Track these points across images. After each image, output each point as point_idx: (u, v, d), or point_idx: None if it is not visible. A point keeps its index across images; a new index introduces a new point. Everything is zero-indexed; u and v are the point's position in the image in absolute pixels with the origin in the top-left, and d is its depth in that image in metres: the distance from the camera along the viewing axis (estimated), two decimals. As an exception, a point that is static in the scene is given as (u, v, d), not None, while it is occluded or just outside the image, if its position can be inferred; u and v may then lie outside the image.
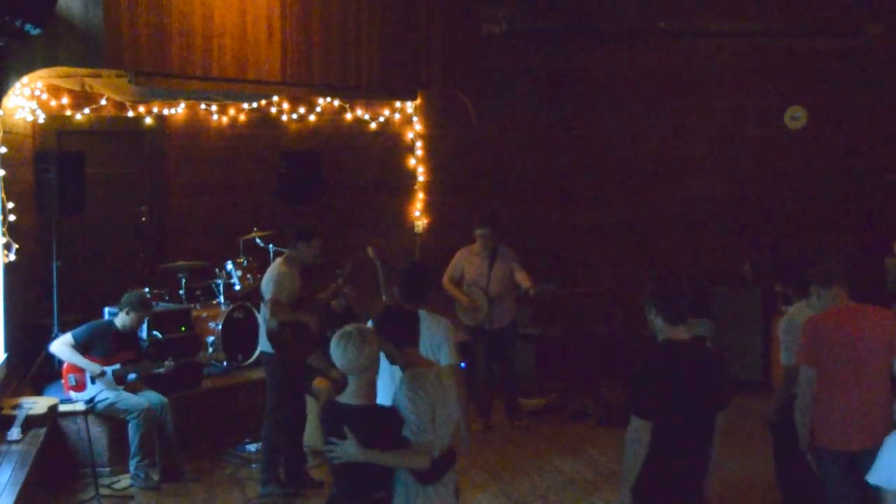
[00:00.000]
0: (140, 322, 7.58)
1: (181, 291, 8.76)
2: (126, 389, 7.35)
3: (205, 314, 8.71)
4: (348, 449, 4.06)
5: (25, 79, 7.60)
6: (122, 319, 7.38)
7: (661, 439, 4.29)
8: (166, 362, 7.47)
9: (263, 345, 7.14)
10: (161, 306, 8.42)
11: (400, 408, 4.15)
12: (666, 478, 4.35)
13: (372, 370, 4.20)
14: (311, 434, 7.44)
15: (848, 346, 5.13)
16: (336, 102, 10.08)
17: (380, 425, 4.13)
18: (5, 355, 7.32)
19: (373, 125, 10.26)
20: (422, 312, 5.10)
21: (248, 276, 8.96)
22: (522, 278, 8.59)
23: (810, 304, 5.54)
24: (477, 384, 8.91)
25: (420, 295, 5.36)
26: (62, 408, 7.27)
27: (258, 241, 9.15)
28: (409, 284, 5.40)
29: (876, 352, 5.14)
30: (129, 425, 7.23)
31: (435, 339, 5.24)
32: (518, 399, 9.03)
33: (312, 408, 7.23)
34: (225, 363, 8.72)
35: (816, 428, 5.21)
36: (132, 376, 7.44)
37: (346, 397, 4.19)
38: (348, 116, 10.18)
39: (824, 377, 5.16)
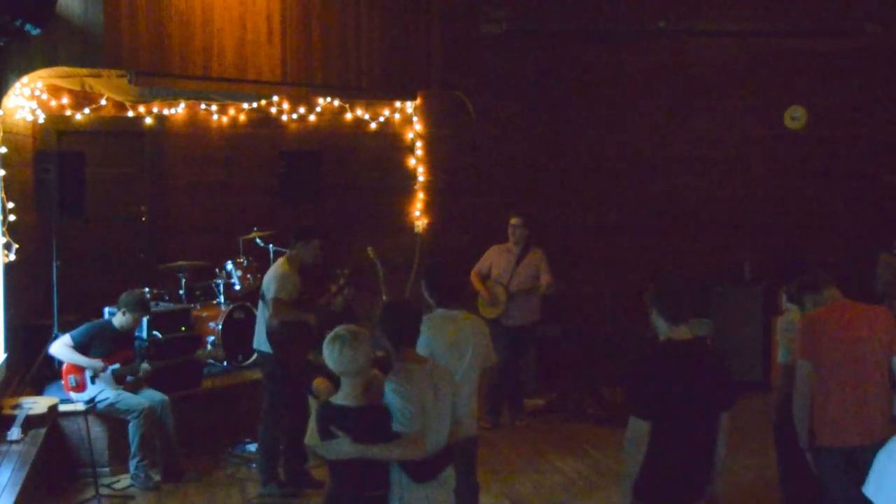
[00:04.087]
0: (138, 322, 7.57)
1: (181, 291, 8.75)
2: (126, 389, 7.35)
3: (205, 314, 8.70)
4: (342, 446, 4.06)
5: (25, 79, 7.59)
6: (119, 319, 7.38)
7: (662, 439, 4.27)
8: (142, 365, 7.35)
9: (260, 343, 7.13)
10: (161, 306, 8.41)
11: (389, 402, 4.15)
12: (669, 478, 4.34)
13: (366, 371, 4.18)
14: (311, 434, 7.42)
15: (844, 342, 5.12)
16: (336, 102, 10.07)
17: (376, 424, 4.12)
18: (5, 355, 7.32)
19: (373, 125, 10.25)
20: (457, 313, 5.25)
21: (248, 276, 8.95)
22: (544, 279, 8.68)
23: (805, 312, 5.50)
24: (488, 381, 8.92)
25: (453, 296, 5.38)
26: (62, 408, 7.27)
27: (258, 241, 9.14)
28: (441, 287, 5.33)
29: (872, 348, 5.13)
30: (130, 425, 7.23)
31: (463, 340, 5.24)
32: (522, 399, 9.04)
33: (313, 408, 7.21)
34: (225, 363, 8.72)
35: (815, 426, 5.21)
36: (130, 377, 7.43)
37: (340, 398, 4.18)
38: (348, 116, 10.18)
39: (821, 374, 5.16)
